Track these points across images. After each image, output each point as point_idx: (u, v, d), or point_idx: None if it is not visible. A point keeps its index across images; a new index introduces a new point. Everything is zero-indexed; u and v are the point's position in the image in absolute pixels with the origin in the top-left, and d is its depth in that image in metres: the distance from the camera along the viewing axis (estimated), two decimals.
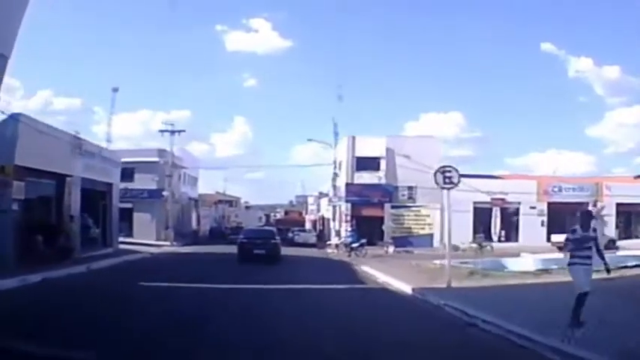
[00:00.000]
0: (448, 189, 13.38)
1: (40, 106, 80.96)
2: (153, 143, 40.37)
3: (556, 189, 39.33)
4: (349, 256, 27.47)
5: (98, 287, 13.38)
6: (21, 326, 7.22)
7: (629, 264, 18.24)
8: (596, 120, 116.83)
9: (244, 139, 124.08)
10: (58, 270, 15.07)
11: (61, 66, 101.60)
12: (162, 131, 38.96)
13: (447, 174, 13.32)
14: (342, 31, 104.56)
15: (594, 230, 8.61)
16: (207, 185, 65.26)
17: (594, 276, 15.92)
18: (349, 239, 29.68)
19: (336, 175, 38.26)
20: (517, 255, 25.00)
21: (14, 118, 16.75)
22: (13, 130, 16.20)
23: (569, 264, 8.41)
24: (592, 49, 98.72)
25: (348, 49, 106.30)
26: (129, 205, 35.86)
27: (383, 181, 37.44)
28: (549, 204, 38.77)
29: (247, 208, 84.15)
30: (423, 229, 36.60)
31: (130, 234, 34.69)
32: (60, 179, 19.71)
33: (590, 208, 21.78)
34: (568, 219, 39.31)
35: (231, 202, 76.94)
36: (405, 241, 34.94)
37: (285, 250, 27.75)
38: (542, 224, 37.99)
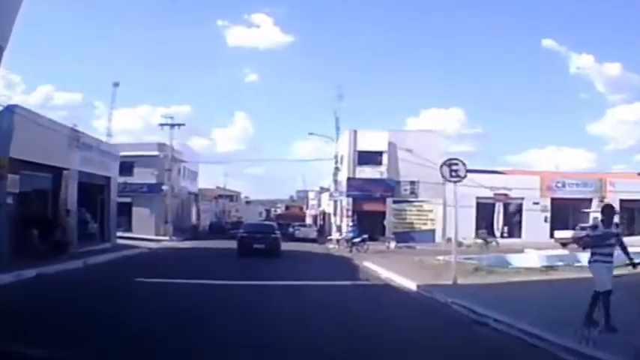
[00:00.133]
0: (455, 182, 12.98)
1: (40, 101, 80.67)
2: (153, 137, 40.00)
3: (559, 185, 38.99)
4: (350, 251, 27.13)
5: (94, 283, 13.06)
6: (11, 324, 6.94)
7: (636, 261, 17.91)
8: (597, 117, 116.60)
9: (245, 135, 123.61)
10: (54, 265, 14.80)
11: (61, 61, 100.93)
12: (162, 125, 38.55)
13: (454, 167, 12.93)
14: (343, 27, 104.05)
15: (617, 225, 8.23)
16: (207, 180, 65.00)
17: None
18: (350, 234, 29.30)
19: (337, 169, 37.82)
20: (521, 251, 24.63)
21: (10, 109, 16.42)
22: (9, 122, 15.88)
23: (590, 262, 8.03)
24: (593, 46, 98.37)
25: (349, 44, 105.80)
26: (128, 200, 35.63)
27: (385, 176, 37.03)
28: (553, 200, 38.46)
29: (248, 203, 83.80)
30: (425, 224, 36.16)
31: (129, 229, 34.43)
32: (56, 172, 19.36)
33: (599, 204, 21.34)
34: (571, 215, 39.25)
35: (232, 196, 76.60)
36: (406, 236, 34.52)
37: (286, 246, 27.47)
38: (546, 220, 37.68)
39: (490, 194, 35.31)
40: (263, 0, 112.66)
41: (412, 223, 36.32)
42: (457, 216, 13.55)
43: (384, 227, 35.03)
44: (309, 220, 58.39)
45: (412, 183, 36.67)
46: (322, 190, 56.15)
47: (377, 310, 10.35)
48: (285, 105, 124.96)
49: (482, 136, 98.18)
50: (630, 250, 8.38)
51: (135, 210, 37.10)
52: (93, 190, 23.51)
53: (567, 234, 33.50)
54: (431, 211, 36.20)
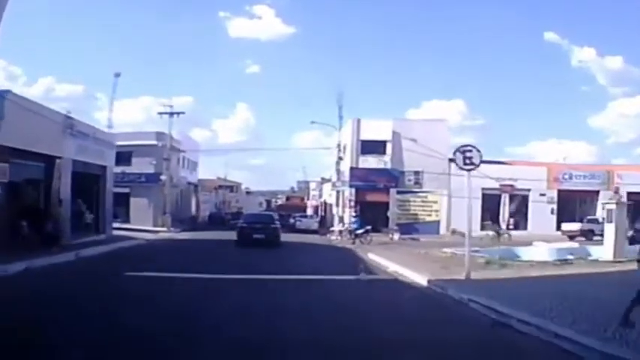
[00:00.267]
0: (468, 170, 12.18)
1: (42, 92, 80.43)
2: (154, 128, 39.07)
3: (566, 176, 38.23)
4: (353, 243, 26.47)
5: (82, 278, 12.36)
6: None
7: None
8: (598, 110, 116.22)
9: (246, 126, 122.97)
10: (44, 258, 14.15)
11: (63, 53, 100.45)
12: (160, 113, 37.65)
13: (467, 154, 12.11)
14: (344, 18, 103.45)
15: None
16: (208, 171, 64.38)
17: (609, 269, 15.02)
18: (353, 225, 28.56)
19: (340, 158, 36.96)
20: (529, 244, 23.90)
21: (0, 95, 15.62)
22: None
23: None
24: (595, 39, 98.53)
25: (351, 36, 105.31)
26: (126, 190, 34.94)
27: (388, 166, 36.15)
28: (559, 191, 37.72)
29: (248, 193, 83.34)
30: (429, 215, 35.55)
31: (126, 220, 33.74)
32: (49, 161, 18.57)
33: (613, 196, 20.58)
34: (578, 207, 38.49)
35: (232, 187, 75.92)
36: (410, 227, 33.90)
37: (287, 237, 26.92)
38: (552, 212, 36.96)
39: (496, 185, 34.48)
40: None
41: (416, 215, 35.68)
42: (470, 207, 12.73)
43: (387, 218, 34.38)
44: (310, 211, 57.72)
45: (416, 173, 35.81)
46: (324, 180, 55.42)
47: (387, 308, 9.57)
48: (286, 96, 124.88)
49: (483, 128, 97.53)
50: None
51: (133, 200, 36.36)
52: (88, 180, 22.69)
53: (575, 226, 32.81)
54: (435, 202, 35.55)
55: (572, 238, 30.07)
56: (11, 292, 9.67)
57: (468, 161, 12.08)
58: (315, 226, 40.41)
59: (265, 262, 16.85)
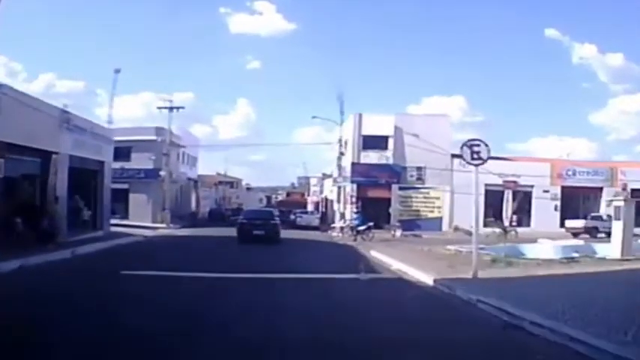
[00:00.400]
0: (476, 165, 11.79)
1: (42, 89, 79.97)
2: (154, 124, 38.70)
3: (570, 172, 37.86)
4: (355, 240, 26.12)
5: (79, 276, 12.02)
6: None
7: None
8: (599, 107, 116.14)
9: (247, 121, 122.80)
10: (40, 255, 13.82)
11: (64, 49, 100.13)
12: (160, 108, 37.29)
13: (475, 148, 11.72)
14: (345, 14, 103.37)
15: None
16: (208, 167, 64.18)
17: (617, 267, 14.66)
18: (355, 222, 28.19)
19: (342, 154, 36.55)
20: (533, 241, 23.52)
21: None
22: None
23: None
24: (596, 36, 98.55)
25: (352, 32, 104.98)
26: (125, 186, 34.64)
27: (390, 161, 35.71)
28: (563, 188, 37.34)
29: (248, 189, 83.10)
30: (431, 212, 35.19)
31: (125, 216, 33.48)
32: (45, 156, 18.24)
33: (620, 192, 20.19)
34: (582, 204, 38.11)
35: (232, 183, 75.62)
36: (412, 224, 33.54)
37: (288, 234, 26.60)
38: (556, 209, 36.60)
39: (499, 181, 34.10)
40: None
41: (418, 211, 35.32)
42: (477, 204, 12.33)
43: (389, 215, 33.99)
44: (311, 207, 57.32)
45: (419, 169, 35.39)
46: (325, 176, 55.04)
47: (392, 309, 9.16)
48: (287, 92, 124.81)
49: (484, 125, 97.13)
50: None
51: (132, 197, 36.08)
52: (85, 176, 22.39)
53: (579, 223, 32.39)
54: (438, 198, 35.20)
55: (575, 235, 29.66)
56: (4, 291, 9.37)
57: (475, 156, 11.69)
58: (315, 222, 39.96)
59: (267, 260, 16.52)
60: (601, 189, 37.45)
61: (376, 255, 18.59)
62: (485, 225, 29.96)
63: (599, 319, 7.27)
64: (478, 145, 11.72)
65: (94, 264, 14.51)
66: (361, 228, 26.95)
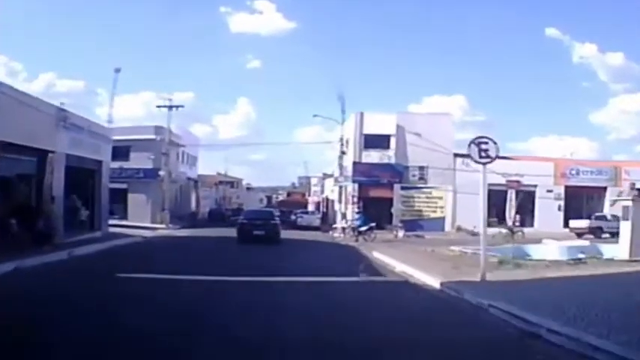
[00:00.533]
0: (484, 164, 11.41)
1: (42, 88, 79.71)
2: (154, 123, 38.36)
3: (574, 172, 37.48)
4: (357, 240, 25.79)
5: (76, 277, 11.67)
6: None
7: None
8: (599, 106, 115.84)
9: (247, 121, 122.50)
10: (35, 257, 13.49)
11: (64, 48, 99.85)
12: (159, 106, 36.94)
13: (483, 146, 11.34)
14: (346, 13, 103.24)
15: None
16: (208, 167, 63.77)
17: (628, 269, 14.28)
18: (357, 222, 27.82)
19: (343, 153, 36.15)
20: (538, 242, 23.15)
21: None
22: None
23: None
24: (596, 36, 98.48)
25: (352, 31, 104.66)
26: (123, 186, 34.31)
27: (392, 161, 35.33)
28: (566, 187, 36.96)
29: (249, 189, 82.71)
30: (434, 212, 34.81)
31: (124, 216, 33.13)
32: (42, 155, 17.86)
33: (629, 192, 19.77)
34: (586, 204, 37.71)
35: (233, 183, 75.22)
36: (415, 224, 33.18)
37: (288, 234, 26.26)
38: (560, 209, 36.22)
39: (501, 181, 33.66)
40: None
41: (421, 211, 34.93)
42: (485, 204, 11.93)
43: (391, 215, 33.64)
44: (311, 207, 56.95)
45: (421, 168, 35.01)
46: (325, 176, 54.65)
47: (400, 316, 8.67)
48: (287, 91, 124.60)
49: (484, 124, 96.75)
50: None
51: (130, 197, 35.73)
52: (83, 175, 22.00)
53: (583, 223, 31.97)
54: (440, 198, 34.82)
55: (580, 235, 29.28)
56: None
57: (483, 154, 11.31)
58: (316, 222, 39.64)
59: (268, 262, 16.15)
60: (605, 189, 37.08)
61: (379, 256, 18.21)
62: (489, 225, 29.63)
63: (620, 325, 6.89)
64: (486, 143, 11.35)
65: (91, 265, 14.14)
66: (363, 228, 26.62)
